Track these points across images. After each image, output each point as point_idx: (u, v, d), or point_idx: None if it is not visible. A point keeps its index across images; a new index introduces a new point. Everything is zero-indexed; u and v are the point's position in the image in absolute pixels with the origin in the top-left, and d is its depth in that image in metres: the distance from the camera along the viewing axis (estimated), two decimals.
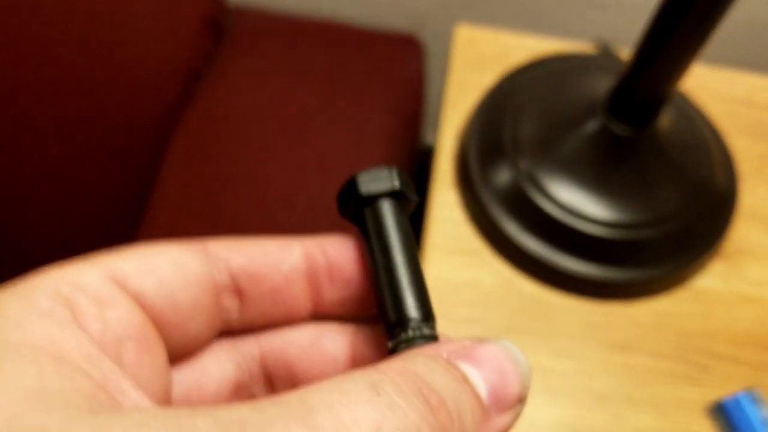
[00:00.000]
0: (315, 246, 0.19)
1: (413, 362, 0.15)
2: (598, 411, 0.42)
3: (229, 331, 0.19)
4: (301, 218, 0.52)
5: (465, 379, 0.15)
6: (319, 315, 0.19)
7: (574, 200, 0.42)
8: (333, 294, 0.19)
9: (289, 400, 0.13)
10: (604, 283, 0.43)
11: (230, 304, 0.18)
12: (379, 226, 0.18)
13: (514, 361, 0.16)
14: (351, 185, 0.19)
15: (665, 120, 0.43)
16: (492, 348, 0.16)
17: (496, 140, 0.44)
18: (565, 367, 0.43)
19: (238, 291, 0.18)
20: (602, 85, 0.43)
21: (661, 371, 0.43)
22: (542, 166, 0.42)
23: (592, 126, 0.41)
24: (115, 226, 0.57)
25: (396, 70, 0.62)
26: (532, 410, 0.41)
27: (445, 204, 0.46)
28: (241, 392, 0.20)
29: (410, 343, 0.17)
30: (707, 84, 0.53)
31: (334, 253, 0.19)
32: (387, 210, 0.19)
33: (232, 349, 0.19)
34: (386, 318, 0.18)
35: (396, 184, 0.19)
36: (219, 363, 0.19)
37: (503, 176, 0.43)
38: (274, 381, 0.20)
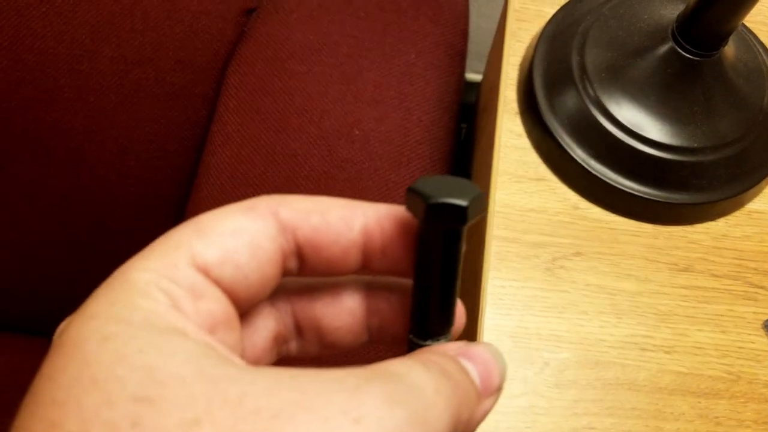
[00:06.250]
0: (375, 222, 0.20)
1: (432, 356, 0.19)
2: (663, 329, 0.44)
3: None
4: (361, 148, 0.53)
5: (465, 371, 0.19)
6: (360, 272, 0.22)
7: (641, 125, 0.43)
8: (380, 264, 0.21)
9: (373, 369, 0.17)
10: (666, 205, 0.45)
11: (292, 266, 0.20)
12: (440, 250, 0.20)
13: (497, 359, 0.20)
14: (439, 205, 0.18)
15: (730, 48, 0.44)
16: (481, 348, 0.20)
17: (563, 67, 0.45)
18: (630, 288, 0.44)
19: (300, 256, 0.20)
20: (668, 12, 0.44)
21: (721, 291, 0.45)
22: (610, 91, 0.43)
23: (661, 51, 0.42)
24: (175, 162, 0.58)
25: (444, 7, 0.62)
26: (600, 329, 0.43)
27: (512, 132, 0.47)
28: (279, 343, 0.22)
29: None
30: (761, 12, 0.53)
31: (391, 232, 0.20)
32: (453, 240, 0.20)
33: (270, 304, 0.22)
34: (415, 318, 0.21)
35: (471, 216, 0.19)
36: (264, 319, 0.22)
37: (571, 102, 0.44)
38: (303, 332, 0.22)
